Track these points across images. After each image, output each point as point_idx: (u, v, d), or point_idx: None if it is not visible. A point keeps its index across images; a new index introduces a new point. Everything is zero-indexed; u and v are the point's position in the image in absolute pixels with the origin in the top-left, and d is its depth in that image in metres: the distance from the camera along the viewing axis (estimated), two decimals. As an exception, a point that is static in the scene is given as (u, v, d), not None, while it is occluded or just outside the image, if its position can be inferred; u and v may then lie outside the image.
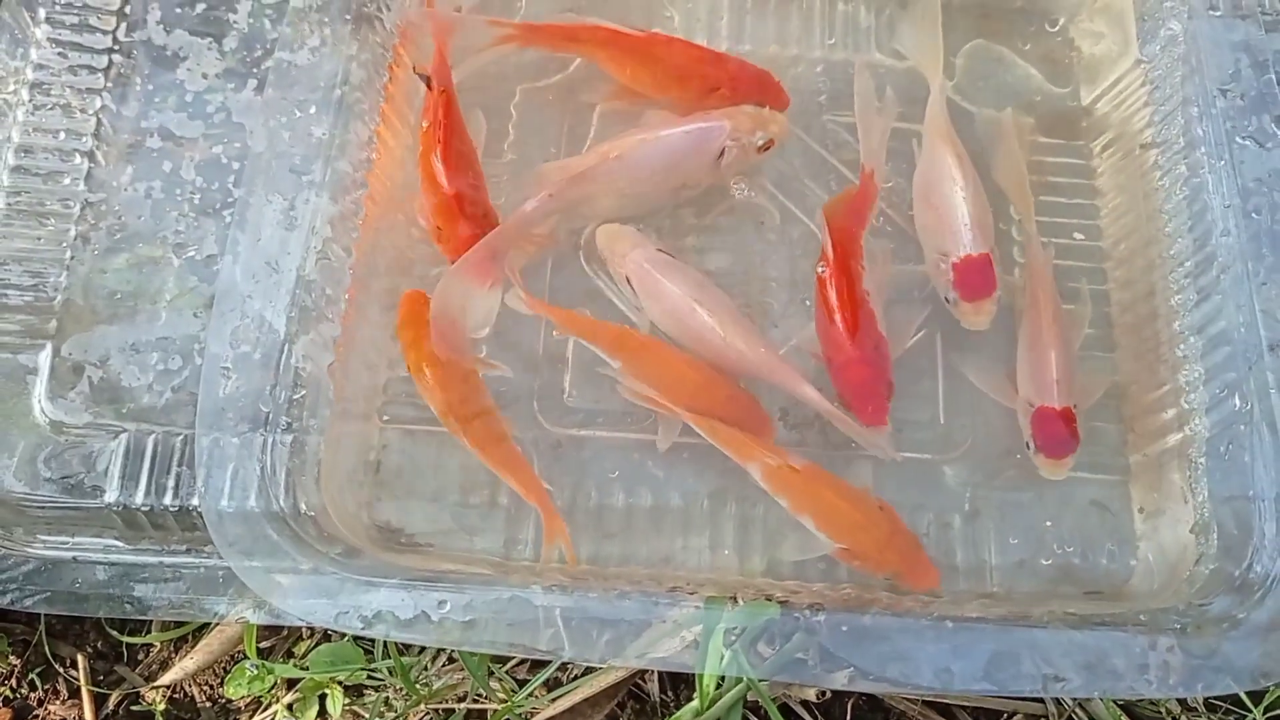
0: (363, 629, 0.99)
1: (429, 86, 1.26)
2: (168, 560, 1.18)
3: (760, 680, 0.99)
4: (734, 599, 1.00)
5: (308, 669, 1.21)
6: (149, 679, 1.25)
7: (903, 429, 1.22)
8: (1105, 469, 1.23)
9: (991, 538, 1.19)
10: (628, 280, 1.22)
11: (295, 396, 1.10)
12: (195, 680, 1.25)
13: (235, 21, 1.37)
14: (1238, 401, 1.10)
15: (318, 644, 1.23)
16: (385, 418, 1.23)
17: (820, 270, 1.20)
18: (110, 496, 1.17)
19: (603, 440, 1.23)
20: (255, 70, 1.35)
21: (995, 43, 1.44)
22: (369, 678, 1.22)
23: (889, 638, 0.98)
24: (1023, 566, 1.18)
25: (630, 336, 1.21)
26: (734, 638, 0.97)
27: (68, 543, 1.18)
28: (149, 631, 1.26)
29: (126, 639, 1.25)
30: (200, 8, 1.37)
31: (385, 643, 1.20)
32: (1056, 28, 1.45)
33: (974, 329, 1.22)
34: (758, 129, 1.24)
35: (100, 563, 1.17)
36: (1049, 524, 1.20)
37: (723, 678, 1.04)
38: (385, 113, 1.26)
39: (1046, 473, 1.17)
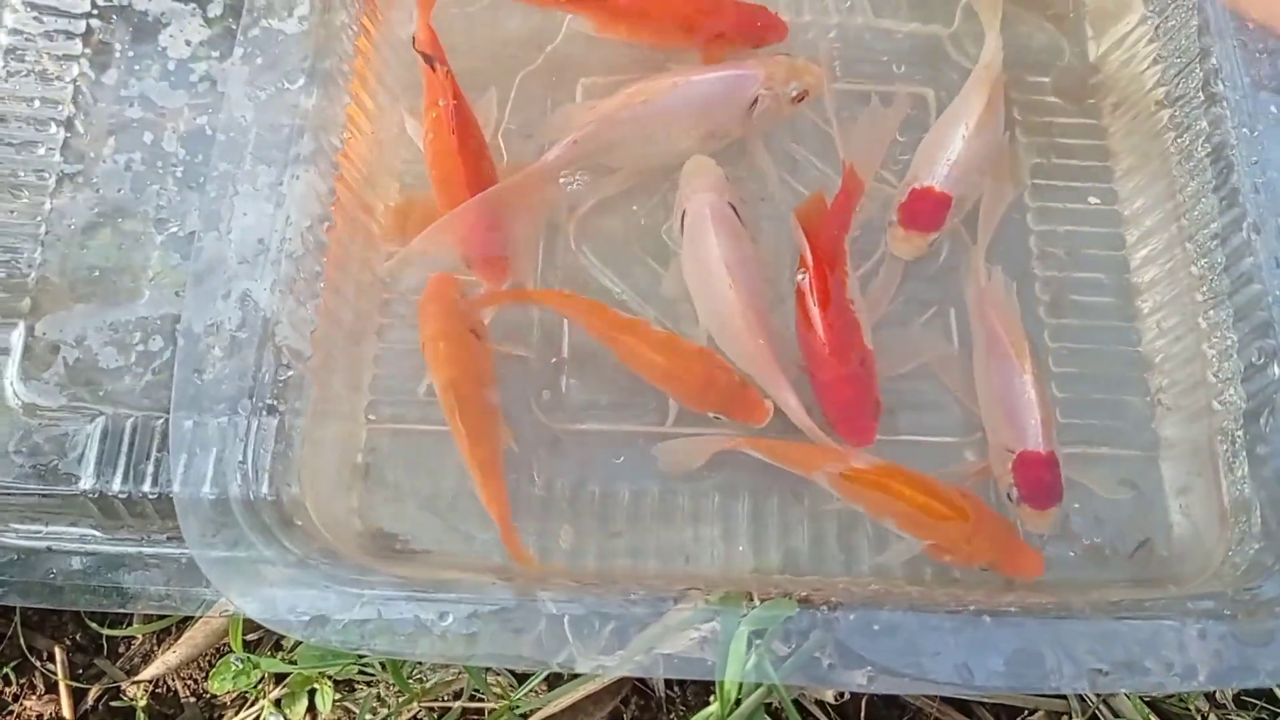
0: (360, 644, 0.86)
1: (431, 67, 1.11)
2: (148, 550, 1.06)
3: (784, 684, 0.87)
4: (750, 596, 0.88)
5: (296, 663, 1.09)
6: (130, 673, 1.13)
7: (921, 411, 1.09)
8: (1134, 445, 1.09)
9: (1018, 523, 1.04)
10: (682, 214, 1.10)
11: (282, 379, 0.98)
12: (178, 674, 1.13)
13: (221, -14, 1.24)
14: (1277, 370, 0.98)
15: (307, 636, 1.11)
16: (372, 417, 1.09)
17: (800, 278, 1.06)
18: (86, 483, 1.04)
19: (604, 434, 1.09)
20: (241, 38, 1.22)
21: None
22: (360, 672, 1.10)
23: (909, 634, 0.87)
24: (1051, 551, 1.04)
25: (605, 313, 1.08)
26: (756, 640, 0.85)
27: (41, 532, 1.06)
28: (130, 623, 1.13)
29: (106, 631, 1.13)
30: (184, -29, 1.25)
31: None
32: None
33: (897, 255, 1.11)
34: (792, 79, 1.12)
35: (76, 553, 1.06)
36: (1076, 505, 1.06)
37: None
38: (355, 91, 1.13)
39: (1031, 525, 1.02)
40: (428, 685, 1.08)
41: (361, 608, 0.88)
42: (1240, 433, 1.00)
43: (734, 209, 1.10)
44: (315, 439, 1.01)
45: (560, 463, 1.08)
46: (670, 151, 1.15)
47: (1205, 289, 1.06)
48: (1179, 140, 1.12)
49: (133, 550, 1.06)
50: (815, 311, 1.03)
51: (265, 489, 0.94)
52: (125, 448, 1.06)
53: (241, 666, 1.10)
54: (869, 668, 0.85)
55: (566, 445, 1.09)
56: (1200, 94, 1.09)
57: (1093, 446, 1.08)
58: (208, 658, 1.13)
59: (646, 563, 1.04)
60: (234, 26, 1.21)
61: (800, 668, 0.86)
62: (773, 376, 1.04)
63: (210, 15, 1.23)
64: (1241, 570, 0.94)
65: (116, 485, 1.05)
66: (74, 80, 1.19)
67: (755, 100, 1.12)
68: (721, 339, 1.07)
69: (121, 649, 1.14)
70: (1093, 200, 1.19)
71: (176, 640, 1.13)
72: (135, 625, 1.13)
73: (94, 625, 1.13)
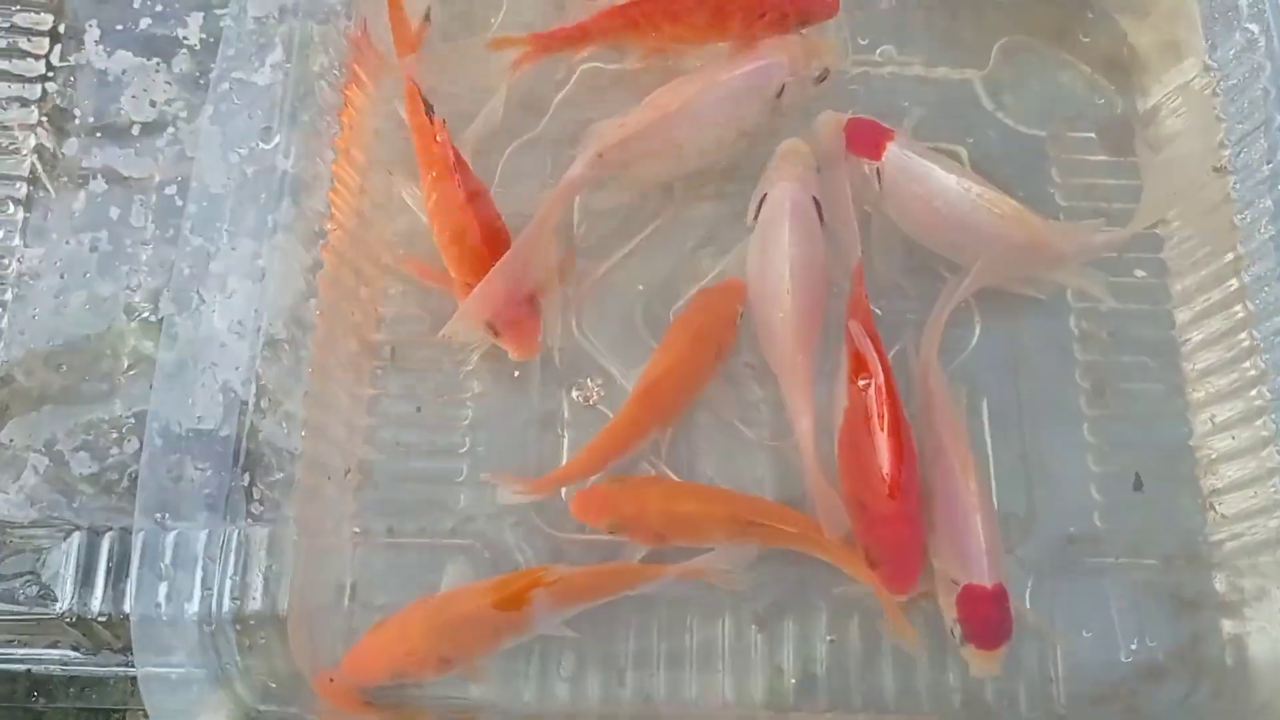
0: None
1: (430, 116, 0.99)
2: (135, 671, 0.96)
3: None
4: None
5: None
6: (127, 782, 1.04)
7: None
8: (1183, 554, 0.96)
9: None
10: (760, 199, 0.99)
11: (265, 481, 0.87)
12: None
13: (186, 38, 1.10)
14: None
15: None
16: (356, 530, 0.96)
17: (862, 384, 0.91)
18: (63, 605, 0.94)
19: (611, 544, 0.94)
20: (211, 94, 1.08)
21: (1036, 36, 1.14)
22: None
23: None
24: (1085, 685, 0.93)
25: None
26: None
27: (16, 655, 0.96)
28: (125, 728, 1.04)
29: (98, 742, 1.04)
30: (145, 24, 1.09)
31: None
32: (1105, 20, 1.14)
33: None
34: (812, 59, 1.02)
35: (58, 676, 0.96)
36: (1133, 633, 0.93)
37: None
38: (342, 145, 1.00)
39: (976, 668, 0.88)
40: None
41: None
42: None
43: (817, 205, 0.98)
44: (297, 554, 0.89)
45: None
46: (700, 159, 1.04)
47: (1268, 385, 0.92)
48: (1240, 216, 0.97)
49: (119, 671, 0.96)
50: (883, 434, 0.87)
51: (241, 607, 0.84)
52: (103, 565, 0.95)
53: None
54: None
55: (571, 555, 0.96)
56: (1265, 167, 0.95)
57: (1137, 556, 0.96)
58: (206, 763, 1.04)
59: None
60: (202, 82, 1.08)
61: None
62: (801, 396, 0.92)
63: (176, 70, 1.09)
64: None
65: (96, 606, 0.94)
66: (30, 153, 1.05)
67: (782, 89, 1.01)
68: (765, 340, 0.97)
69: (115, 757, 1.05)
70: (1139, 273, 1.04)
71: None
72: (130, 729, 1.04)
73: (84, 733, 1.04)
